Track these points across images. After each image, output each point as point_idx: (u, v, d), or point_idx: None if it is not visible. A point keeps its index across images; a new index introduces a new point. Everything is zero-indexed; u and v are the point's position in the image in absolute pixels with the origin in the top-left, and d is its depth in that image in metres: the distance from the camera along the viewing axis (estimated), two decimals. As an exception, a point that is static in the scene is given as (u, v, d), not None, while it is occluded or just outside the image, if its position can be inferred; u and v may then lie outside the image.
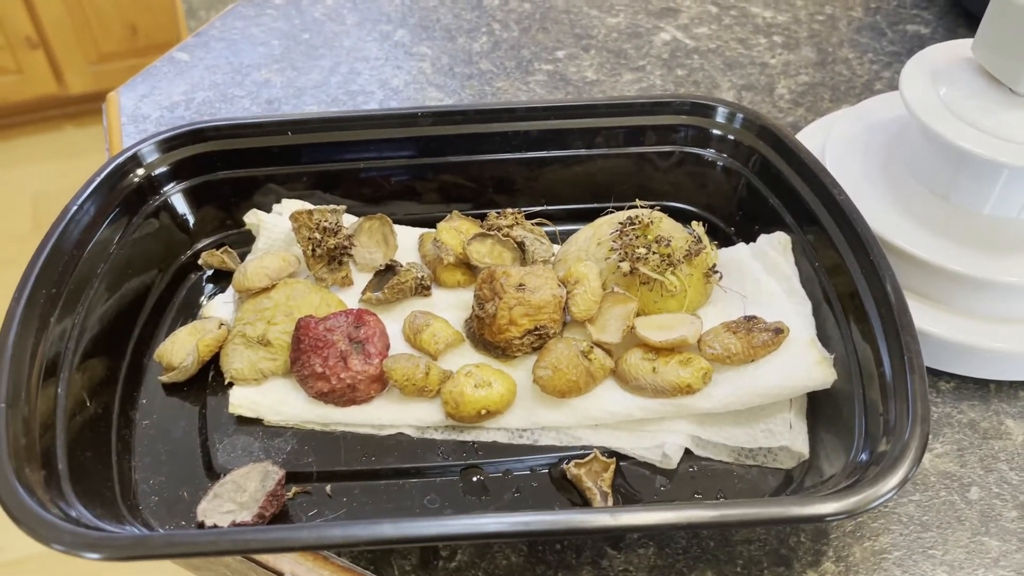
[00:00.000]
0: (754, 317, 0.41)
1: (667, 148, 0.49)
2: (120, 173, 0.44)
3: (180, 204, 0.47)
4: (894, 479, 0.32)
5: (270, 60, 0.63)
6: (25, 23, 1.76)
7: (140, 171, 0.45)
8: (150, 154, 0.45)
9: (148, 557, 0.30)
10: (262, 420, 0.41)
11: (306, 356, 0.40)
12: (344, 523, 0.31)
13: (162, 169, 0.45)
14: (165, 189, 0.46)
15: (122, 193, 0.43)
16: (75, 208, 0.41)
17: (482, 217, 0.49)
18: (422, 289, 0.45)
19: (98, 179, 0.42)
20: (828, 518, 0.31)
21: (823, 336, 0.41)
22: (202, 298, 0.46)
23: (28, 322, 0.37)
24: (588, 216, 0.48)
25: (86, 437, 0.38)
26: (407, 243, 0.48)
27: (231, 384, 0.41)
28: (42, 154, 1.93)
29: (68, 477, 0.35)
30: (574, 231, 0.48)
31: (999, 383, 0.43)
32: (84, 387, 0.39)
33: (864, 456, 0.35)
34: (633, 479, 0.39)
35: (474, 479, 0.39)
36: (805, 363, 0.39)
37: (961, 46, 0.45)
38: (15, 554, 1.18)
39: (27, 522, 0.30)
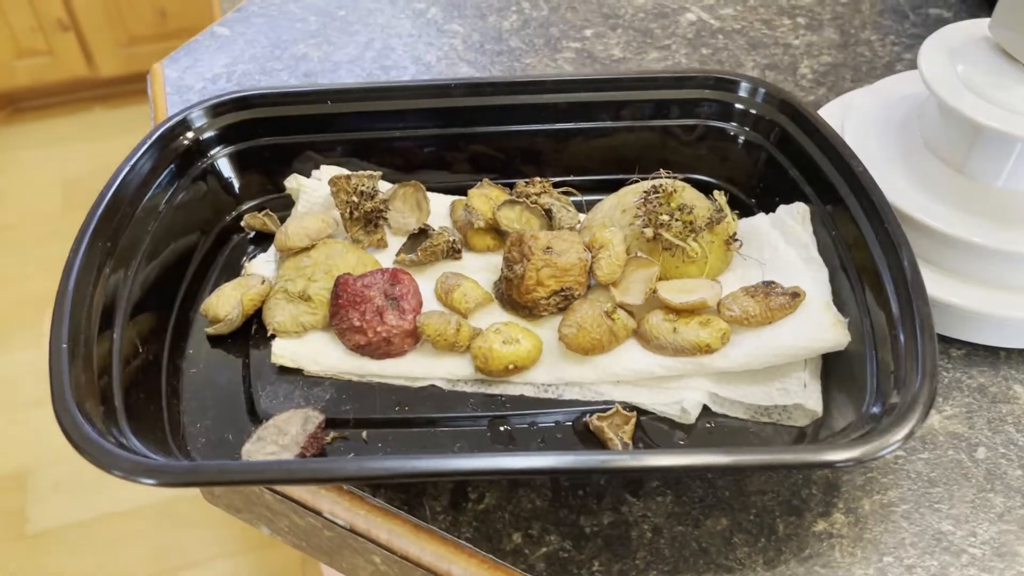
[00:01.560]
0: (772, 282, 0.43)
1: (690, 121, 0.51)
2: (170, 136, 0.46)
3: (225, 168, 0.49)
4: (903, 429, 0.34)
5: (307, 35, 0.66)
6: (57, 5, 1.79)
7: (189, 134, 0.47)
8: (199, 119, 0.47)
9: (201, 484, 0.33)
10: (302, 370, 0.43)
11: (344, 310, 0.43)
12: (384, 457, 0.33)
13: (209, 134, 0.48)
14: (212, 153, 0.48)
15: (172, 154, 0.46)
16: (128, 167, 0.43)
17: (511, 186, 0.51)
18: (453, 252, 0.48)
19: (150, 140, 0.45)
20: (839, 464, 0.33)
21: (838, 302, 0.43)
22: (244, 258, 0.49)
23: (86, 271, 0.39)
24: (613, 187, 0.50)
25: (139, 381, 0.40)
26: (439, 209, 0.50)
27: (273, 336, 0.44)
28: (72, 136, 1.97)
29: (124, 415, 0.37)
30: (599, 201, 0.49)
31: (1008, 350, 0.45)
32: (136, 337, 0.42)
33: (876, 409, 0.37)
34: (653, 433, 0.41)
35: (501, 429, 0.41)
36: (820, 325, 0.41)
37: (978, 25, 0.47)
38: (39, 527, 1.21)
39: (89, 450, 0.33)
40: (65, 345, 0.36)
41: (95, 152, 1.90)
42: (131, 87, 2.03)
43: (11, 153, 1.93)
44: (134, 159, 0.44)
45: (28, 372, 1.42)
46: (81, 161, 1.89)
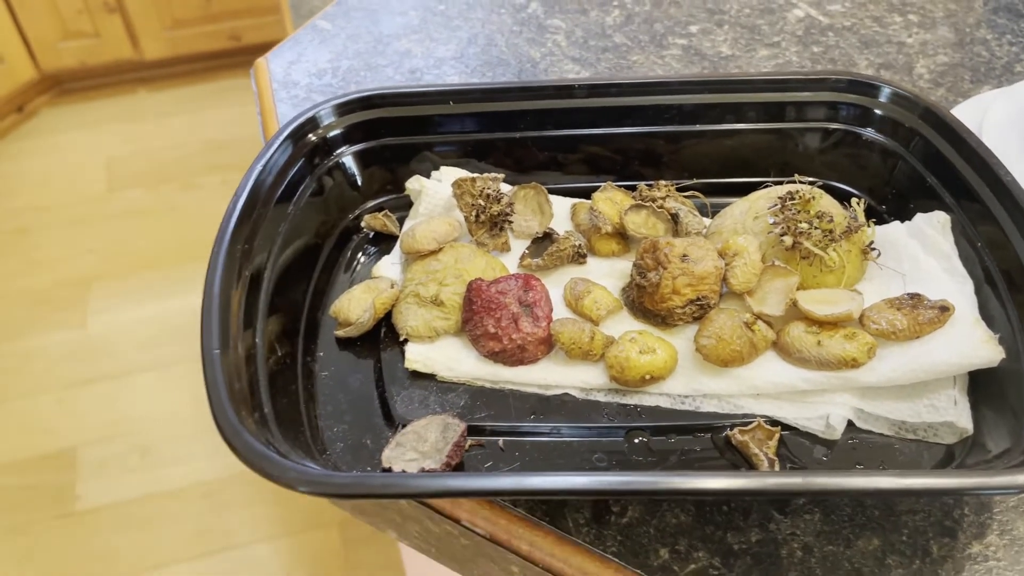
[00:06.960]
0: (918, 295, 0.42)
1: (823, 125, 0.49)
2: (300, 132, 0.46)
3: (351, 166, 0.49)
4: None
5: (408, 30, 0.65)
6: (105, -13, 1.80)
7: (318, 131, 0.47)
8: (326, 117, 0.47)
9: (366, 496, 0.32)
10: (435, 375, 0.43)
11: (479, 317, 0.42)
12: (548, 474, 0.32)
13: (336, 132, 0.48)
14: (338, 151, 0.48)
15: (302, 150, 0.46)
16: (263, 162, 0.43)
17: (631, 188, 0.50)
18: (579, 257, 0.47)
19: (283, 135, 0.45)
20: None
21: (985, 315, 0.42)
22: (361, 257, 0.48)
23: (228, 273, 0.39)
24: (736, 190, 0.49)
25: (279, 384, 0.40)
26: (559, 212, 0.50)
27: (404, 341, 0.43)
28: (116, 118, 1.97)
29: (274, 420, 0.37)
30: (722, 204, 0.48)
31: None
32: (273, 338, 0.41)
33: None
34: (795, 448, 0.40)
35: (637, 440, 0.41)
36: (971, 341, 0.40)
37: None
38: (88, 504, 1.23)
39: (254, 461, 0.32)
40: (217, 351, 0.36)
41: (138, 134, 1.90)
42: (174, 70, 2.02)
43: (56, 135, 1.94)
44: (269, 153, 0.44)
45: (72, 352, 1.43)
46: (124, 143, 1.89)
